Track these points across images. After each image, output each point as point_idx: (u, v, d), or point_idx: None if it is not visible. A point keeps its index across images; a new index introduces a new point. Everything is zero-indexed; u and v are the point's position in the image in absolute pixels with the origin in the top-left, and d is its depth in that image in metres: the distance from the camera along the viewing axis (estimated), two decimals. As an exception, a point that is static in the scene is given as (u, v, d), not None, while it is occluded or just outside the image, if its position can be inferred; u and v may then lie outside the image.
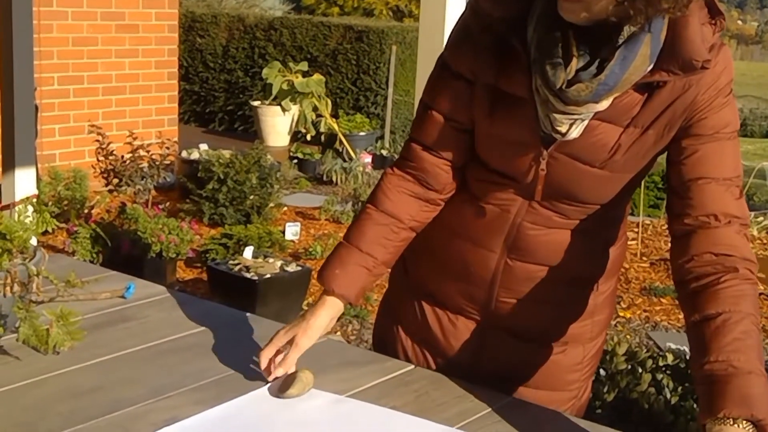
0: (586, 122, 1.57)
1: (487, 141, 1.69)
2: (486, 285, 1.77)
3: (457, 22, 1.71)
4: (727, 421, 1.37)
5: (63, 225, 5.30)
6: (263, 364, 1.68)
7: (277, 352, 1.69)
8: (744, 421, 1.37)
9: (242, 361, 1.77)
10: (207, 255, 5.26)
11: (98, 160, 5.98)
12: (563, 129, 1.57)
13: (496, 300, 1.78)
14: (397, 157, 1.85)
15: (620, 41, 1.49)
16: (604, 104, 1.54)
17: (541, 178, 1.65)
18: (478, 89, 1.66)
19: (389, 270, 1.81)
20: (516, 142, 1.64)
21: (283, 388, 1.64)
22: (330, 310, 1.72)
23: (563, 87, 1.51)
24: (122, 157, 5.94)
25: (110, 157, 5.94)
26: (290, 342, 1.69)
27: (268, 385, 1.67)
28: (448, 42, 1.72)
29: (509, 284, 1.75)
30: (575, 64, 1.51)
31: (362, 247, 1.74)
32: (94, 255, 4.88)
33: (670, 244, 1.65)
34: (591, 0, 1.43)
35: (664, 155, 1.66)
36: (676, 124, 1.59)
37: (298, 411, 1.59)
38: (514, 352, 1.82)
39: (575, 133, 1.58)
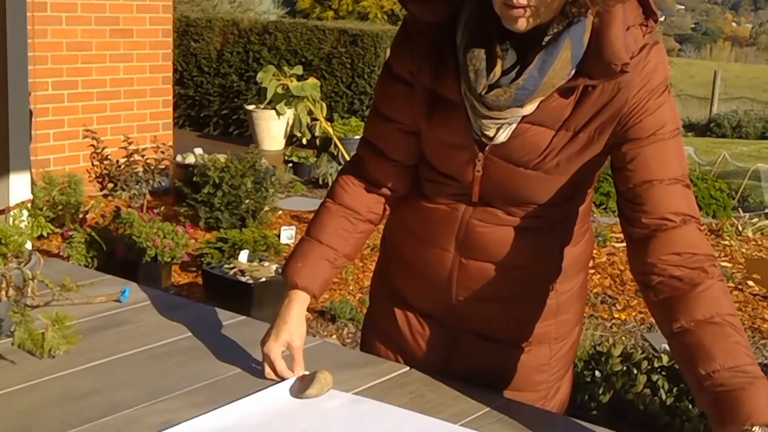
0: (513, 126, 1.59)
1: (429, 142, 1.72)
2: (444, 284, 1.79)
3: (400, 26, 1.73)
4: (753, 429, 1.36)
5: (58, 230, 5.30)
6: (288, 376, 1.69)
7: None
8: (764, 427, 1.37)
9: (237, 365, 1.77)
10: (202, 259, 5.25)
11: (93, 164, 5.98)
12: (491, 133, 1.59)
13: (455, 299, 1.79)
14: None
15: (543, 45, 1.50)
16: (528, 108, 1.55)
17: (477, 180, 1.67)
18: (417, 92, 1.68)
19: (351, 263, 1.84)
20: (452, 144, 1.67)
21: (302, 388, 1.65)
22: (300, 304, 1.74)
23: (483, 92, 1.53)
24: (117, 161, 5.93)
25: (105, 162, 5.93)
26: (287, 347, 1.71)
27: (287, 382, 1.68)
28: (391, 45, 1.75)
29: (466, 283, 1.77)
30: (499, 69, 1.53)
31: (323, 240, 1.77)
32: (89, 260, 4.87)
33: (626, 248, 1.64)
34: (540, 4, 1.45)
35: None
36: (607, 128, 1.58)
37: (317, 411, 1.61)
38: (479, 353, 1.83)
39: (503, 136, 1.59)
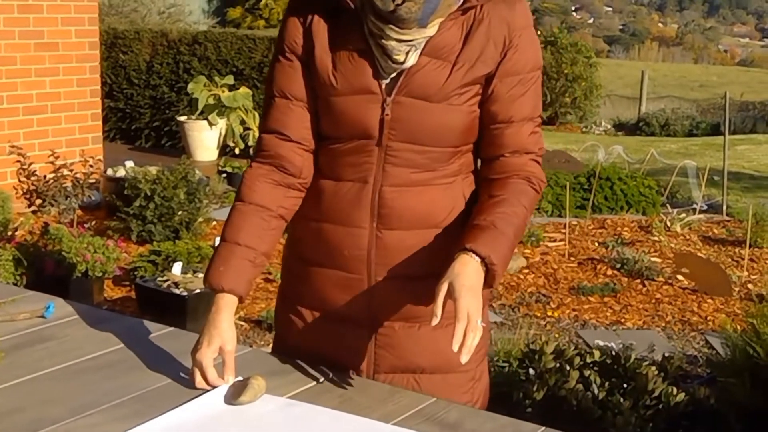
0: (419, 50, 1.74)
1: (332, 103, 1.79)
2: (362, 266, 1.82)
3: (285, 8, 1.85)
4: (470, 252, 1.66)
5: (-15, 248, 5.18)
6: (220, 384, 1.69)
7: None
8: (479, 259, 1.66)
9: (165, 376, 1.76)
10: (135, 273, 5.19)
11: (20, 181, 5.87)
12: (401, 58, 1.73)
13: (374, 281, 1.82)
14: None
15: None
16: (431, 30, 1.73)
17: (387, 123, 1.76)
18: (316, 55, 1.78)
19: (269, 261, 1.86)
20: (360, 91, 1.76)
21: (235, 394, 1.65)
22: (228, 308, 1.76)
23: (397, 4, 1.67)
24: (45, 177, 5.83)
25: (32, 178, 5.83)
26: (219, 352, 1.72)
27: (220, 390, 1.68)
28: (280, 27, 1.84)
29: (384, 259, 1.81)
30: None
31: (240, 241, 1.79)
32: (18, 277, 4.77)
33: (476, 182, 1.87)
34: None
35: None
36: (490, 60, 1.76)
37: (251, 416, 1.61)
38: (403, 341, 1.85)
39: (412, 59, 1.74)
